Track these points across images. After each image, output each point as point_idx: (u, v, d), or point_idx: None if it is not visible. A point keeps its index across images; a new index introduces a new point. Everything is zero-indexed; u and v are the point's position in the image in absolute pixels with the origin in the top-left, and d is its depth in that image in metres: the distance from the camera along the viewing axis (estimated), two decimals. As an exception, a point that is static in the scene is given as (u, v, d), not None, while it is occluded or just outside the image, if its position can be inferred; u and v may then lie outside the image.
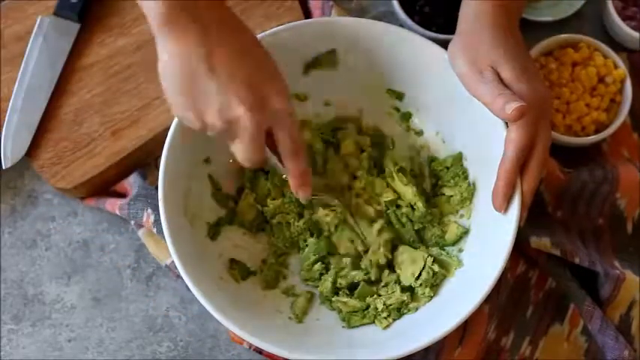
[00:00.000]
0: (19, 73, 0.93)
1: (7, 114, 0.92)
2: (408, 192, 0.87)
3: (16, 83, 0.93)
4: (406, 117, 0.92)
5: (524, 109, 0.74)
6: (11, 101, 0.92)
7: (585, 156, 0.95)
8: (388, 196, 0.88)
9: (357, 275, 0.86)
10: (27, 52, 0.94)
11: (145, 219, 0.89)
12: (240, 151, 0.72)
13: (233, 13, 0.74)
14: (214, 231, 0.87)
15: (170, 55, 0.70)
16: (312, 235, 0.88)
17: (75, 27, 0.95)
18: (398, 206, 0.88)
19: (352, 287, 0.86)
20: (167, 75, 0.70)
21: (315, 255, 0.86)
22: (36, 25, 0.95)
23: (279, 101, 0.72)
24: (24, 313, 0.90)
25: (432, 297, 0.84)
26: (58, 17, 0.95)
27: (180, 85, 0.70)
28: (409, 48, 0.86)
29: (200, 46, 0.69)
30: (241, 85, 0.70)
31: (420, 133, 0.92)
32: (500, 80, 0.77)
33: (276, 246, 0.88)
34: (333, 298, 0.85)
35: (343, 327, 0.85)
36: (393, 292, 0.84)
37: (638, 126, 0.97)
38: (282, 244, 0.88)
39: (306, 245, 0.87)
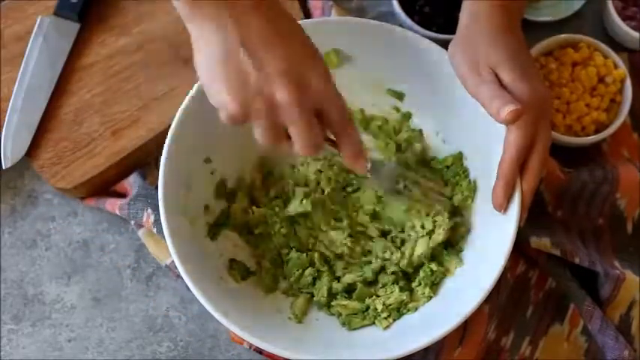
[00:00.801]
0: (19, 73, 0.93)
1: (7, 114, 0.92)
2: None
3: (16, 83, 0.93)
4: (406, 117, 0.92)
5: (520, 112, 0.74)
6: (11, 101, 0.92)
7: (585, 156, 0.95)
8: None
9: (352, 277, 0.86)
10: (27, 52, 0.94)
11: (145, 219, 0.89)
12: (296, 136, 0.69)
13: None
14: (214, 231, 0.87)
15: (205, 42, 0.67)
16: (293, 224, 0.87)
17: (75, 27, 0.95)
18: None
19: (349, 290, 0.86)
20: (202, 63, 0.67)
21: (297, 270, 0.86)
22: (36, 25, 0.95)
23: (321, 81, 0.69)
24: (24, 313, 0.90)
25: (431, 297, 0.84)
26: (58, 17, 0.95)
27: (217, 70, 0.66)
28: (409, 48, 0.86)
29: (235, 29, 0.67)
30: (282, 64, 0.67)
31: (420, 132, 0.92)
32: (500, 82, 0.77)
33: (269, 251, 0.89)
34: (332, 303, 0.85)
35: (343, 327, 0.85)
36: (392, 293, 0.84)
37: (638, 126, 0.97)
38: (269, 253, 0.88)
39: (289, 259, 0.87)
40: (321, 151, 0.71)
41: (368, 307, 0.84)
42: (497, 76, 0.77)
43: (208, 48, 0.67)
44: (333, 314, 0.85)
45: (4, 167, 0.91)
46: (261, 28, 0.67)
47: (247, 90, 0.66)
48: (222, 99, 0.66)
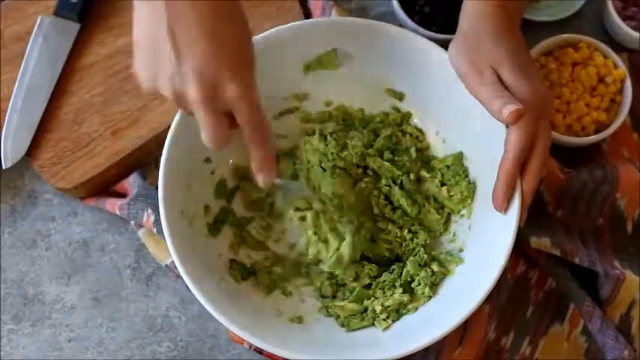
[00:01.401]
0: (19, 73, 0.93)
1: (7, 114, 0.92)
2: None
3: (16, 83, 0.93)
4: (406, 117, 0.92)
5: (521, 112, 0.74)
6: (11, 101, 0.92)
7: (585, 156, 0.95)
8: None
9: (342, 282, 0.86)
10: (27, 52, 0.94)
11: (145, 219, 0.89)
12: (202, 127, 0.69)
13: None
14: (214, 231, 0.87)
15: (139, 21, 0.70)
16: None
17: (75, 27, 0.95)
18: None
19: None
20: (135, 39, 0.70)
21: (284, 283, 0.87)
22: (36, 25, 0.95)
23: (232, 87, 0.68)
24: (24, 313, 0.90)
25: (431, 297, 0.84)
26: (58, 17, 0.95)
27: (143, 46, 0.69)
28: (408, 48, 0.86)
29: (167, 12, 0.67)
30: (198, 59, 0.67)
31: (420, 131, 0.92)
32: (501, 81, 0.77)
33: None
34: (329, 304, 0.85)
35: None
36: (392, 295, 0.84)
37: (638, 126, 0.97)
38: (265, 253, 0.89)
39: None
40: (226, 144, 0.71)
41: (366, 309, 0.84)
42: (498, 75, 0.77)
43: (141, 24, 0.69)
44: (331, 315, 0.85)
45: (4, 167, 0.91)
46: (192, 19, 0.67)
47: (160, 69, 0.68)
48: (138, 72, 0.70)
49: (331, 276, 0.87)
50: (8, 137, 0.91)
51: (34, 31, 0.95)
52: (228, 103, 0.69)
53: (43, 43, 0.94)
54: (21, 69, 0.93)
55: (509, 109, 0.73)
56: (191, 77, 0.67)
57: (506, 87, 0.76)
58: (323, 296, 0.87)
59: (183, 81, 0.67)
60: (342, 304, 0.85)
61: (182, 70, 0.67)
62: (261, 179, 0.75)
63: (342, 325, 0.84)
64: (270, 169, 0.75)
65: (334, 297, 0.87)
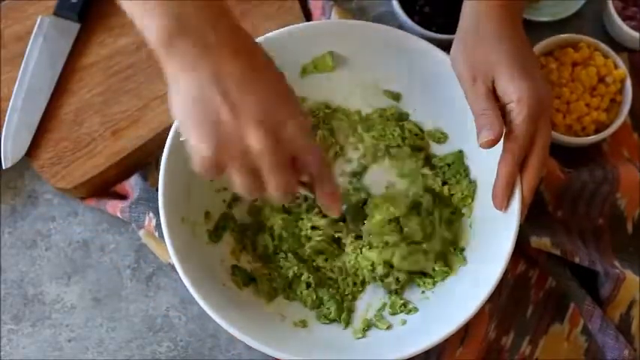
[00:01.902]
0: (19, 73, 0.93)
1: (7, 114, 0.92)
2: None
3: (16, 83, 0.93)
4: (403, 117, 0.92)
5: (494, 141, 0.75)
6: (11, 101, 0.92)
7: (585, 156, 0.95)
8: None
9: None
10: (27, 52, 0.94)
11: (146, 223, 0.89)
12: (269, 183, 0.67)
13: (243, 31, 0.68)
14: (215, 237, 0.87)
15: (181, 85, 0.65)
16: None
17: (75, 27, 0.95)
18: None
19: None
20: (178, 104, 0.66)
21: (292, 275, 0.86)
22: (36, 25, 0.95)
23: (297, 129, 0.67)
24: (24, 313, 0.90)
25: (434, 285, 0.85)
26: (58, 17, 0.95)
27: (192, 115, 0.65)
28: (404, 49, 0.86)
29: (213, 75, 0.65)
30: (257, 112, 0.65)
31: (420, 130, 0.92)
32: (494, 89, 0.77)
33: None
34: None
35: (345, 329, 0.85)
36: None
37: (639, 126, 0.97)
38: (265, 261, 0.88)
39: (283, 266, 0.87)
40: (293, 197, 0.72)
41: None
42: (494, 81, 0.77)
43: (184, 90, 0.65)
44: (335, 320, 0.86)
45: (4, 167, 0.91)
46: (238, 75, 0.66)
47: (221, 136, 0.65)
48: (196, 144, 0.65)
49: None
50: (8, 137, 0.91)
51: (34, 31, 0.95)
52: (294, 148, 0.68)
53: (43, 43, 0.94)
54: (21, 69, 0.93)
55: (485, 136, 0.75)
56: (253, 130, 0.65)
57: (501, 92, 0.77)
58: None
59: (246, 137, 0.65)
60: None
61: (243, 126, 0.65)
62: (333, 212, 0.76)
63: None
64: (338, 201, 0.74)
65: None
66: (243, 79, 0.66)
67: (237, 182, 0.67)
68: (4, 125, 0.91)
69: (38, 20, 0.95)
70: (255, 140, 0.65)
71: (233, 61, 0.66)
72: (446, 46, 0.84)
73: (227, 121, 0.65)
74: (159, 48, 0.65)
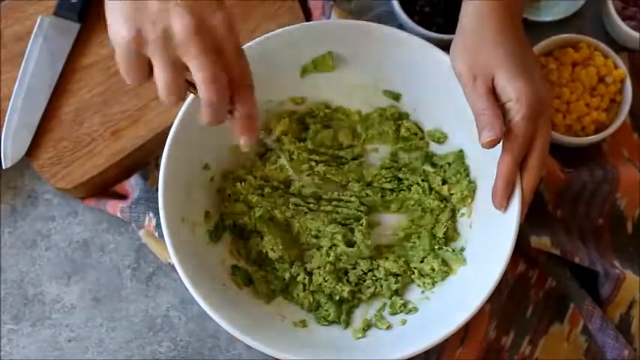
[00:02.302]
0: (19, 72, 0.93)
1: (7, 114, 0.92)
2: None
3: (16, 83, 0.93)
4: (403, 117, 0.92)
5: (496, 142, 0.75)
6: (11, 101, 0.92)
7: (585, 156, 0.95)
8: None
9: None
10: (27, 52, 0.94)
11: (146, 223, 0.89)
12: (195, 70, 0.64)
13: None
14: (215, 238, 0.87)
15: None
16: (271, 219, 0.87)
17: (75, 27, 0.95)
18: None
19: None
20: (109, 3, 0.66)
21: (288, 276, 0.86)
22: (36, 25, 0.95)
23: (224, 15, 0.66)
24: (24, 313, 0.90)
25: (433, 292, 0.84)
26: (58, 17, 0.95)
27: (120, 4, 0.65)
28: (405, 49, 0.86)
29: None
30: None
31: (419, 129, 0.92)
32: (494, 88, 0.77)
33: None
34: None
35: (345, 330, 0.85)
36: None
37: (639, 126, 0.97)
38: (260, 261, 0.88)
39: (279, 267, 0.87)
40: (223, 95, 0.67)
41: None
42: (494, 81, 0.77)
43: None
44: (335, 321, 0.86)
45: (4, 167, 0.91)
46: None
47: (142, 17, 0.64)
48: (116, 28, 0.65)
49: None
50: (8, 137, 0.91)
51: (34, 31, 0.95)
52: (219, 32, 0.66)
53: (43, 43, 0.94)
54: (21, 69, 0.93)
55: (487, 136, 0.75)
56: (178, 11, 0.64)
57: (500, 91, 0.77)
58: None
59: (169, 15, 0.64)
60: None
61: (167, 8, 0.64)
62: (246, 139, 0.72)
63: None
64: (254, 131, 0.71)
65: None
66: None
67: (159, 77, 0.66)
68: (4, 125, 0.91)
69: (38, 20, 0.95)
70: (178, 18, 0.64)
71: None
72: (446, 46, 0.84)
73: (152, 2, 0.64)
74: None
